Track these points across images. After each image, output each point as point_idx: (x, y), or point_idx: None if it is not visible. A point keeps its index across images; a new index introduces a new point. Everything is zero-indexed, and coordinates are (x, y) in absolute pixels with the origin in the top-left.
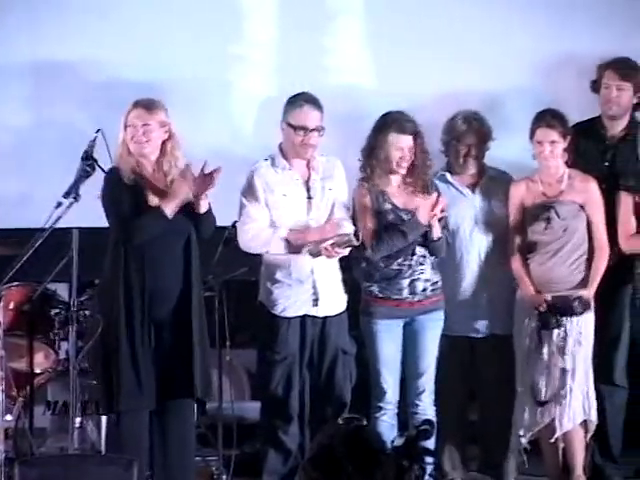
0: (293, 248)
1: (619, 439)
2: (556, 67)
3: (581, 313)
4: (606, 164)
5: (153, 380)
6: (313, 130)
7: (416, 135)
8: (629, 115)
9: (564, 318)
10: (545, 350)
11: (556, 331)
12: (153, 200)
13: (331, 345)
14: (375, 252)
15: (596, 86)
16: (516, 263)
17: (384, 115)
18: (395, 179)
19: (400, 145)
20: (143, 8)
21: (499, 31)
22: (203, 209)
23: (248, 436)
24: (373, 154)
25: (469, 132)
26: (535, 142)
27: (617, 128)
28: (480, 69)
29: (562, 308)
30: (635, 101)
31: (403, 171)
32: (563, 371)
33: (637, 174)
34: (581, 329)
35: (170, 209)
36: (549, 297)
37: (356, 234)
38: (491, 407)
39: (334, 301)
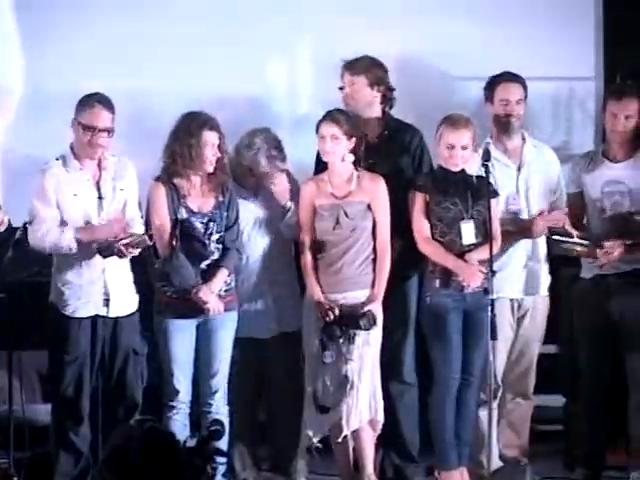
0: (83, 247)
1: (415, 438)
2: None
3: (367, 329)
4: (370, 161)
5: None
6: (103, 130)
7: (220, 133)
8: (381, 111)
9: (350, 330)
10: (330, 354)
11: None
12: None
13: (122, 345)
14: (167, 264)
15: (343, 91)
16: (305, 264)
17: (191, 114)
18: (196, 179)
19: (213, 142)
20: None
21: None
22: None
23: (39, 438)
24: (181, 153)
25: (272, 168)
26: (319, 137)
27: (370, 125)
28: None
29: (349, 323)
30: (376, 94)
31: (212, 169)
32: (349, 374)
33: (427, 174)
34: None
35: None
36: (337, 310)
37: (149, 234)
38: (279, 407)
39: (125, 301)
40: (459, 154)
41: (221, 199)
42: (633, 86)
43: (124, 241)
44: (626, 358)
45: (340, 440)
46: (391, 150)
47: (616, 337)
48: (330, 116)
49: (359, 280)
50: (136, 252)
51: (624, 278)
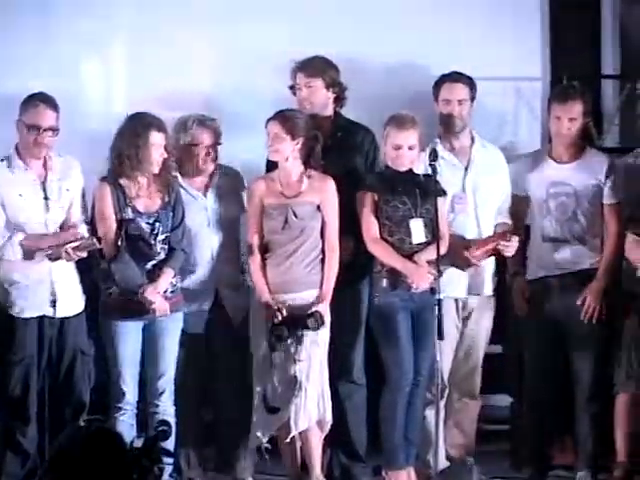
0: (29, 254)
1: (363, 438)
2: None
3: (315, 329)
4: (322, 162)
5: None
6: (47, 130)
7: (167, 134)
8: (333, 111)
9: (298, 331)
10: (278, 355)
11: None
12: None
13: (69, 346)
14: (112, 265)
15: (294, 90)
16: (253, 264)
17: (137, 115)
18: (143, 180)
19: (160, 143)
20: None
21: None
22: None
23: None
24: (128, 154)
25: (205, 134)
26: (267, 135)
27: (324, 125)
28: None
29: (296, 323)
30: (331, 96)
31: (158, 170)
32: (297, 374)
33: (375, 173)
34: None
35: None
36: (285, 311)
37: (98, 238)
38: (225, 406)
39: (72, 302)
40: (406, 154)
41: (167, 200)
42: (577, 89)
43: (72, 244)
44: (572, 359)
45: (288, 440)
46: (343, 151)
47: (562, 338)
48: (277, 115)
49: (307, 280)
50: (84, 255)
51: (569, 279)
